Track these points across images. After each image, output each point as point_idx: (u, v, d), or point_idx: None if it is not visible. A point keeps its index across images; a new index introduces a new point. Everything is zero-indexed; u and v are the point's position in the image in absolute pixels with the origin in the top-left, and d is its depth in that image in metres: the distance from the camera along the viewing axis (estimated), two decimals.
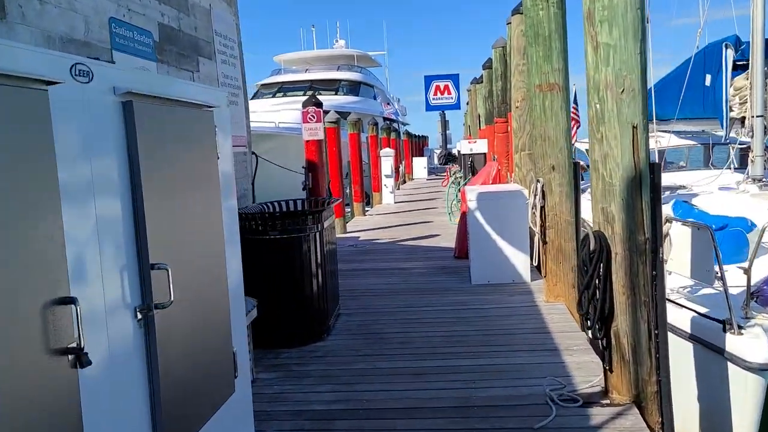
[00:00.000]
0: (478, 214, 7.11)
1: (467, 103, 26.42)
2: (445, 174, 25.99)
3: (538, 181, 5.88)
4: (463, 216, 8.27)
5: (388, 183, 17.60)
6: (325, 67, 34.68)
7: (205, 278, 2.57)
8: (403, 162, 27.94)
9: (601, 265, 3.47)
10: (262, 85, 32.39)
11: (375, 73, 40.51)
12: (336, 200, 5.83)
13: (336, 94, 31.50)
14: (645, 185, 3.43)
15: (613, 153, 3.47)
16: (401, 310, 5.98)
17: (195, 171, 2.50)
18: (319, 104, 9.39)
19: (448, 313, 5.76)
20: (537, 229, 5.91)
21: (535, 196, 5.89)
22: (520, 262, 6.92)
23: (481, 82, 17.60)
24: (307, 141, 9.36)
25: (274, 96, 29.70)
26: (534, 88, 5.82)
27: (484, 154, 13.44)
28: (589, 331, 3.72)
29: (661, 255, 3.45)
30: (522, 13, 7.93)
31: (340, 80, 32.61)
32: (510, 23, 8.86)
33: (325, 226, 5.21)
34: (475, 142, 14.14)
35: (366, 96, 33.95)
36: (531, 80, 5.90)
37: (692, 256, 3.93)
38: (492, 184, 8.55)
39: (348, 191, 11.96)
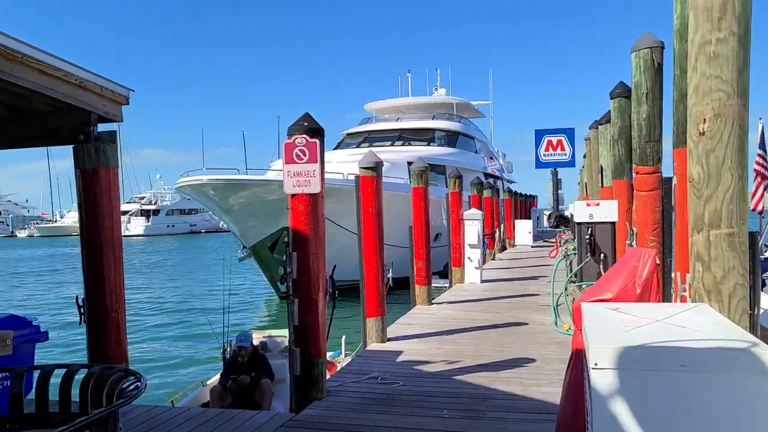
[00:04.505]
0: (616, 395, 2.58)
1: (584, 156, 21.46)
2: (554, 240, 20.96)
3: None
4: (579, 357, 3.73)
5: (473, 255, 13.07)
6: (419, 115, 30.89)
7: None
8: (503, 225, 23.22)
9: None
10: (347, 134, 29.12)
11: (478, 125, 36.35)
12: None
13: (429, 144, 27.52)
14: None
15: None
16: None
17: None
18: (314, 131, 5.27)
19: None
20: None
21: None
22: None
23: (606, 122, 12.89)
24: (292, 196, 5.26)
25: (358, 146, 26.11)
26: None
27: (613, 224, 8.68)
28: None
29: None
30: None
31: (434, 129, 28.63)
32: None
33: None
34: (598, 204, 9.38)
35: (465, 148, 29.72)
36: None
37: None
38: (640, 298, 3.90)
39: (389, 275, 7.68)
